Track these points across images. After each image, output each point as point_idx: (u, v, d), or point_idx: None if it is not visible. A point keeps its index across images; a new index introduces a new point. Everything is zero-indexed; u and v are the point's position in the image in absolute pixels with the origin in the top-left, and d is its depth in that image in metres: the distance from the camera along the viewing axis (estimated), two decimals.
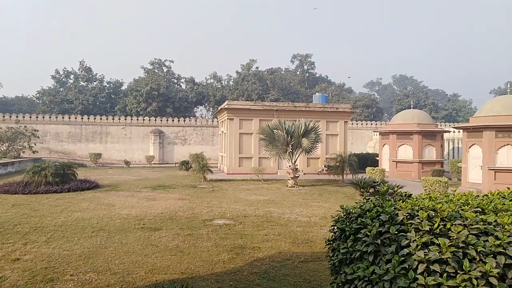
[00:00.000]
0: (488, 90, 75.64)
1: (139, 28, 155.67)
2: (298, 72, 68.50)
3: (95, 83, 52.37)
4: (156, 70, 54.65)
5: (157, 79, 49.29)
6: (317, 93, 40.96)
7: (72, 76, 52.30)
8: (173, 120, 40.38)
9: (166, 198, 15.03)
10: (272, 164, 25.25)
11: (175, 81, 56.51)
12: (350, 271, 3.69)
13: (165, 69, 55.51)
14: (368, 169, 22.49)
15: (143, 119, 39.99)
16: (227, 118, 26.29)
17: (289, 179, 19.67)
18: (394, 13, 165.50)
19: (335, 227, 4.45)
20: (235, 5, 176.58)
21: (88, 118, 38.90)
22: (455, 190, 4.53)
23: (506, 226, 3.18)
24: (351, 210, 4.31)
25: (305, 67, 68.16)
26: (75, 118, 38.95)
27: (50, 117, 38.46)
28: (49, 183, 16.82)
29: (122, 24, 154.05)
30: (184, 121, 40.65)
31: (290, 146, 19.73)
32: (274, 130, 20.24)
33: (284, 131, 19.64)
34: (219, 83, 56.73)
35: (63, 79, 52.03)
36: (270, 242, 8.62)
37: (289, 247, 8.26)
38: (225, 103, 27.25)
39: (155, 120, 40.04)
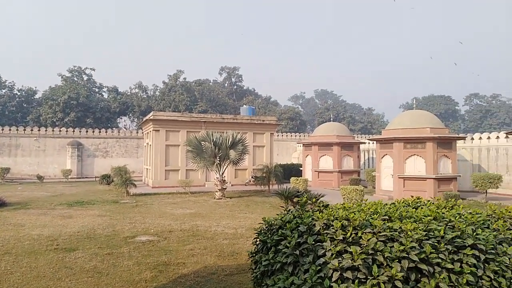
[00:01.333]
0: (398, 105, 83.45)
1: (56, 34, 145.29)
2: (226, 84, 69.10)
3: (4, 90, 47.55)
4: (75, 78, 51.35)
5: (76, 88, 46.25)
6: (244, 106, 41.68)
7: None
8: (93, 132, 38.00)
9: (84, 215, 14.02)
10: (200, 176, 24.96)
11: (97, 90, 53.56)
12: (271, 282, 3.75)
13: (85, 78, 52.40)
14: (292, 179, 23.20)
15: (60, 130, 37.04)
16: (153, 130, 25.50)
17: (216, 191, 19.58)
18: (317, 31, 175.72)
19: (258, 240, 4.51)
20: (162, 13, 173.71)
21: None
22: (367, 199, 4.86)
23: (409, 232, 3.48)
24: (272, 222, 4.40)
25: (233, 79, 69.05)
26: None
27: None
28: None
29: (37, 26, 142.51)
30: (106, 132, 38.48)
31: (217, 158, 19.69)
32: (202, 142, 20.08)
33: (212, 143, 19.58)
34: (144, 93, 54.95)
35: None
36: (196, 257, 8.46)
37: (214, 261, 8.17)
38: (151, 114, 26.42)
39: (73, 131, 37.32)
